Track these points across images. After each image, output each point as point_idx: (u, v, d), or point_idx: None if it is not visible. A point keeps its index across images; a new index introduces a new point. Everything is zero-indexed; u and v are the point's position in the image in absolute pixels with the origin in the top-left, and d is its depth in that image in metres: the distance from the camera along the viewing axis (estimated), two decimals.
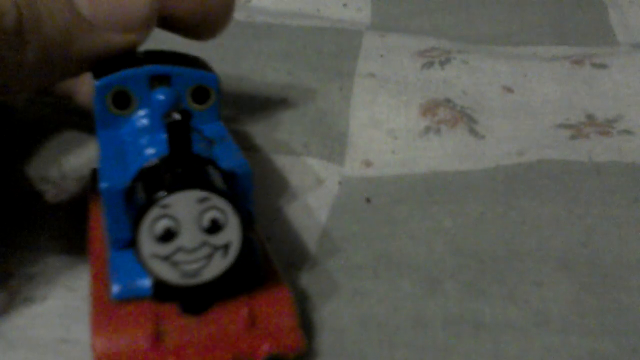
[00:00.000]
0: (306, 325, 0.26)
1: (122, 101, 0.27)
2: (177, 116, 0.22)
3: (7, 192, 0.33)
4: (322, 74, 0.43)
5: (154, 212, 0.22)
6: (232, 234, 0.23)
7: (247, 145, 0.37)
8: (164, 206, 0.22)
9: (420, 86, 0.41)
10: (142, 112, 0.27)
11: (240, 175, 0.25)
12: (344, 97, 0.41)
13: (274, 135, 0.38)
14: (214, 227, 0.23)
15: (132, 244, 0.23)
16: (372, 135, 0.38)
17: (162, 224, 0.22)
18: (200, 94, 0.28)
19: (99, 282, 0.25)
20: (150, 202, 0.22)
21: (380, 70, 0.43)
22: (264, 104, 0.40)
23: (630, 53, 0.45)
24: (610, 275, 0.28)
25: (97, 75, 0.27)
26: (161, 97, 0.25)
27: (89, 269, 0.26)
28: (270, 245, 0.28)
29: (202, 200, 0.22)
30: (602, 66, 0.43)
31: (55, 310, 0.27)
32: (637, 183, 0.33)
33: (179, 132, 0.23)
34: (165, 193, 0.22)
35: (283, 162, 0.36)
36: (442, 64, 0.43)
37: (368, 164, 0.36)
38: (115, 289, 0.24)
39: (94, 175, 0.31)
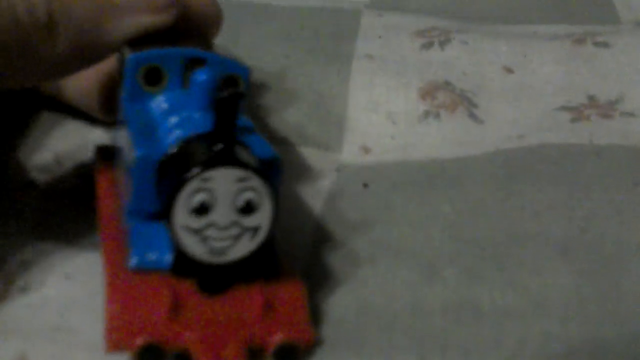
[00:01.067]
0: None
1: (154, 78, 0.27)
2: (231, 91, 0.22)
3: (2, 180, 0.32)
4: (319, 56, 0.42)
5: (194, 184, 0.22)
6: (263, 217, 0.23)
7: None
8: (205, 179, 0.22)
9: (419, 67, 0.41)
10: (171, 92, 0.27)
11: (272, 163, 0.25)
12: (342, 80, 0.40)
13: (269, 120, 0.37)
14: (248, 208, 0.23)
15: (162, 214, 0.23)
16: (371, 119, 0.38)
17: (199, 197, 0.22)
18: (230, 85, 0.27)
19: (114, 254, 0.25)
20: (192, 174, 0.22)
21: (378, 52, 0.42)
22: (260, 88, 0.40)
23: (633, 31, 0.44)
24: (610, 261, 0.28)
25: (133, 48, 0.27)
26: (203, 76, 0.25)
27: (101, 244, 0.26)
28: None
29: (242, 179, 0.23)
30: (605, 45, 0.42)
31: (51, 299, 0.27)
32: (639, 167, 0.33)
33: (229, 109, 0.23)
34: (208, 167, 0.22)
35: (279, 148, 0.35)
36: (441, 44, 0.43)
37: (366, 150, 0.36)
38: (133, 259, 0.24)
39: (101, 151, 0.31)
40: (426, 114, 0.38)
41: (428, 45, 0.43)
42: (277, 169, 0.25)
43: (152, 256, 0.24)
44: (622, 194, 0.31)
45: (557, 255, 0.28)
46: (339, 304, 0.26)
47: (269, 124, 0.37)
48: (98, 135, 0.35)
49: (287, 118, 0.38)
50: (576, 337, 0.25)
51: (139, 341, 0.23)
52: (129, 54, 0.27)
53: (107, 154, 0.31)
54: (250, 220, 0.23)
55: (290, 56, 0.43)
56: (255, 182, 0.23)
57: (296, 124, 0.37)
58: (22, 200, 0.31)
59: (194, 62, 0.27)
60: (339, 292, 0.27)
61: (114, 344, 0.23)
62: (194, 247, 0.23)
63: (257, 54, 0.43)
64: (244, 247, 0.24)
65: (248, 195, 0.23)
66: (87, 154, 0.33)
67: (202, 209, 0.23)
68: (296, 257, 0.29)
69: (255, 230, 0.23)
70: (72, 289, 0.27)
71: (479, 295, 0.27)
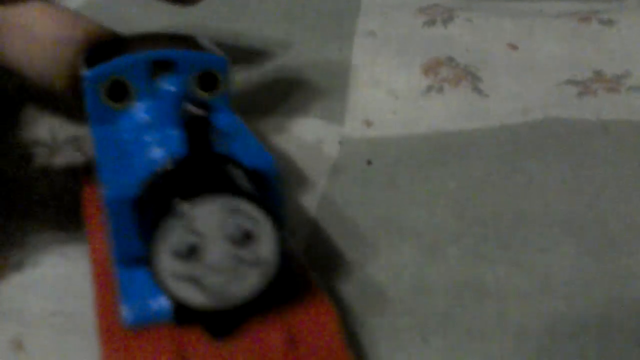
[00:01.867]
0: None
1: (119, 93, 0.24)
2: (196, 110, 0.19)
3: None
4: (321, 34, 0.42)
5: (173, 223, 0.19)
6: (266, 246, 0.20)
7: (243, 107, 0.36)
8: (185, 217, 0.19)
9: (422, 45, 0.40)
10: (142, 105, 0.24)
11: (266, 174, 0.21)
12: (344, 57, 0.40)
13: (272, 97, 0.37)
14: (245, 239, 0.19)
15: (145, 261, 0.19)
16: (373, 95, 0.37)
17: (184, 238, 0.19)
18: (208, 81, 0.24)
19: (107, 306, 0.22)
20: (168, 212, 0.19)
21: (381, 29, 0.42)
22: (262, 66, 0.39)
23: (638, 8, 0.44)
24: (617, 239, 0.27)
25: (88, 64, 0.24)
26: (169, 87, 0.22)
27: (93, 289, 0.23)
28: None
29: (230, 207, 0.19)
30: (609, 22, 0.42)
31: (47, 279, 0.26)
32: None
33: (199, 129, 0.19)
34: (186, 201, 0.19)
35: (281, 123, 0.35)
36: (444, 22, 0.42)
37: (369, 123, 0.35)
38: (127, 314, 0.20)
39: (87, 169, 0.28)
40: (429, 88, 0.37)
41: (431, 23, 0.42)
42: (272, 175, 0.21)
43: (148, 307, 0.20)
44: (630, 171, 0.31)
45: (562, 233, 0.28)
46: (341, 283, 0.26)
47: (271, 100, 0.37)
48: None
49: (289, 94, 0.37)
50: (582, 316, 0.24)
51: None
52: (85, 72, 0.23)
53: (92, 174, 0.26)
54: (250, 252, 0.20)
55: (292, 33, 0.42)
56: (248, 207, 0.19)
57: (298, 99, 0.37)
58: (17, 177, 0.31)
59: (162, 66, 0.24)
60: (340, 271, 0.27)
61: None
62: (189, 296, 0.20)
63: (259, 32, 0.42)
64: (251, 285, 0.20)
65: (242, 224, 0.19)
66: (81, 129, 0.33)
67: (190, 251, 0.19)
68: (297, 234, 0.28)
69: (260, 263, 0.20)
70: (68, 269, 0.27)
71: (483, 275, 0.26)
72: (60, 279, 0.26)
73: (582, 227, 0.28)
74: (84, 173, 0.29)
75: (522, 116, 0.35)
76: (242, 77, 0.38)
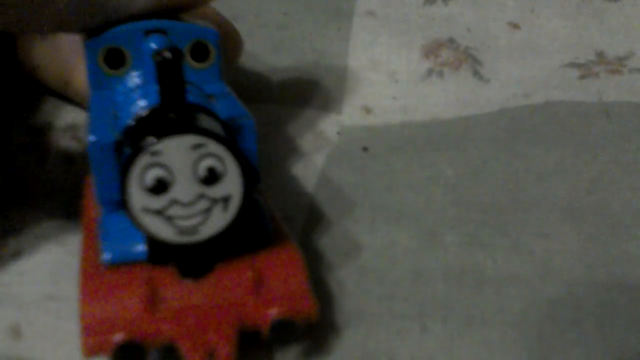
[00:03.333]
0: None
1: (116, 60, 0.25)
2: (167, 54, 0.20)
3: None
4: (319, 14, 0.41)
5: (144, 159, 0.20)
6: (232, 185, 0.21)
7: (238, 92, 0.35)
8: (154, 153, 0.20)
9: (422, 25, 0.40)
10: (137, 72, 0.25)
11: (241, 126, 0.23)
12: (343, 38, 0.39)
13: (268, 80, 0.37)
14: (212, 177, 0.21)
15: (121, 199, 0.21)
16: (372, 79, 0.37)
17: (153, 173, 0.20)
18: (200, 52, 0.25)
19: (90, 247, 0.23)
20: (138, 149, 0.20)
21: (380, 9, 0.41)
22: (258, 47, 0.39)
23: None
24: (618, 224, 0.27)
25: (89, 35, 0.25)
26: (154, 45, 0.23)
27: (82, 235, 0.25)
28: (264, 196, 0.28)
29: (197, 146, 0.20)
30: None
31: (43, 266, 0.26)
32: None
33: (171, 73, 0.21)
34: (155, 139, 0.20)
35: (277, 109, 0.35)
36: (445, 0, 0.42)
37: (368, 110, 0.35)
38: (106, 254, 0.22)
39: (84, 157, 0.28)
40: (429, 72, 0.37)
41: (431, 1, 0.42)
42: (248, 128, 0.23)
43: (125, 247, 0.22)
44: (632, 155, 0.30)
45: (563, 218, 0.27)
46: (338, 271, 0.26)
47: (267, 84, 0.36)
48: None
49: (286, 77, 0.37)
50: (583, 303, 0.24)
51: (116, 340, 0.21)
52: (84, 40, 0.25)
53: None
54: (217, 190, 0.21)
55: (288, 13, 0.42)
56: (214, 146, 0.21)
57: (295, 84, 0.36)
58: (14, 164, 0.31)
59: (156, 34, 0.25)
60: (338, 258, 0.26)
61: (90, 348, 0.21)
62: (160, 230, 0.21)
63: (255, 11, 0.42)
64: (218, 221, 0.21)
65: (208, 162, 0.21)
66: (79, 116, 0.33)
67: (160, 187, 0.21)
68: (294, 221, 0.28)
69: (225, 200, 0.21)
70: (65, 256, 0.26)
71: (482, 261, 0.26)
72: (57, 265, 0.26)
73: (582, 212, 0.28)
74: (82, 162, 0.29)
75: (523, 99, 0.35)
76: (238, 60, 0.38)
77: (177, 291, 0.22)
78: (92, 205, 0.25)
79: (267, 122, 0.34)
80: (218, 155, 0.21)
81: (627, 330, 0.23)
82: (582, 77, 0.36)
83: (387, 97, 0.36)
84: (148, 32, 0.24)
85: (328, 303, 0.25)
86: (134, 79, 0.25)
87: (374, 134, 0.33)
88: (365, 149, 0.32)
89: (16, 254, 0.27)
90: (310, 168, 0.31)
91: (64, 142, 0.32)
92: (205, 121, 0.21)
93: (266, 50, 0.38)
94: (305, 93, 0.36)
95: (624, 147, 0.31)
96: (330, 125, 0.34)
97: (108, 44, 0.24)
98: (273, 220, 0.24)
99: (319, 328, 0.24)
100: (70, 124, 0.33)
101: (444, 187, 0.29)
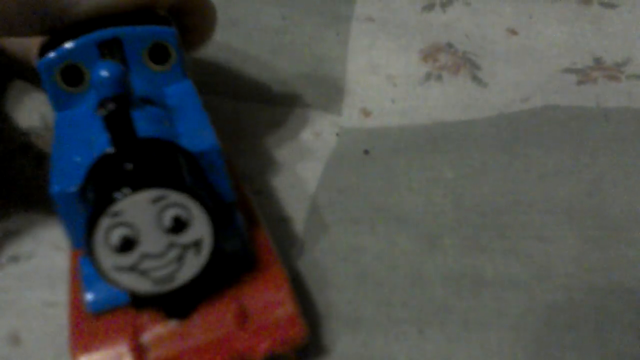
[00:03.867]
0: (299, 285, 0.25)
1: (74, 77, 0.24)
2: (111, 106, 0.20)
3: None
4: (318, 18, 0.41)
5: (105, 222, 0.20)
6: (201, 229, 0.20)
7: (238, 94, 0.35)
8: (115, 214, 0.20)
9: (420, 30, 0.40)
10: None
11: (207, 152, 0.22)
12: (341, 43, 0.39)
13: (267, 83, 0.36)
14: (178, 226, 0.20)
15: (90, 260, 0.20)
16: (371, 82, 0.37)
17: (118, 233, 0.20)
18: (159, 53, 0.25)
19: (77, 290, 0.23)
20: (98, 212, 0.19)
21: (379, 14, 0.41)
22: (257, 51, 0.39)
23: None
24: (617, 228, 0.27)
25: (41, 54, 0.24)
26: (104, 73, 0.21)
27: (69, 276, 0.24)
28: (263, 200, 0.27)
29: (158, 199, 0.20)
30: (611, 5, 0.41)
31: (41, 270, 0.26)
32: None
33: (118, 123, 0.20)
34: (114, 199, 0.19)
35: (277, 111, 0.35)
36: (443, 6, 0.42)
37: (367, 113, 0.35)
38: (89, 301, 0.22)
39: None
40: (428, 76, 0.37)
41: (429, 8, 0.42)
42: (213, 154, 0.22)
43: (108, 293, 0.22)
44: (630, 158, 0.30)
45: (562, 221, 0.27)
46: (336, 274, 0.26)
47: (267, 86, 0.36)
48: None
49: (286, 80, 0.37)
50: (581, 307, 0.24)
51: None
52: (37, 61, 0.24)
53: None
54: (186, 237, 0.20)
55: (287, 17, 0.42)
56: (175, 196, 0.20)
57: (294, 86, 0.36)
58: (11, 167, 0.30)
59: (110, 45, 0.24)
60: (337, 261, 0.26)
61: None
62: (135, 284, 0.21)
63: (254, 16, 0.42)
64: (192, 266, 0.21)
65: (172, 212, 0.20)
66: None
67: (126, 245, 0.20)
68: (294, 223, 0.28)
69: (197, 244, 0.21)
70: (61, 260, 0.26)
71: (481, 265, 0.26)
72: (55, 269, 0.26)
73: (581, 215, 0.28)
74: None
75: (522, 104, 0.35)
76: (235, 65, 0.38)
77: (164, 336, 0.22)
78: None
79: (266, 124, 0.34)
80: (181, 204, 0.20)
81: (625, 335, 0.23)
82: (580, 82, 0.36)
83: (386, 100, 0.36)
84: (101, 45, 0.24)
85: (327, 308, 0.25)
86: (90, 104, 0.24)
87: (374, 136, 0.33)
88: (366, 152, 0.32)
89: (14, 258, 0.27)
90: (310, 170, 0.31)
91: None
92: (163, 165, 0.21)
93: (265, 54, 0.38)
94: (305, 95, 0.36)
95: (624, 150, 0.31)
96: (329, 126, 0.34)
97: (63, 62, 0.24)
98: (257, 234, 0.24)
99: (317, 332, 0.24)
100: None
101: (443, 190, 0.29)
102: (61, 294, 0.25)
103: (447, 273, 0.26)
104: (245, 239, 0.23)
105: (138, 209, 0.20)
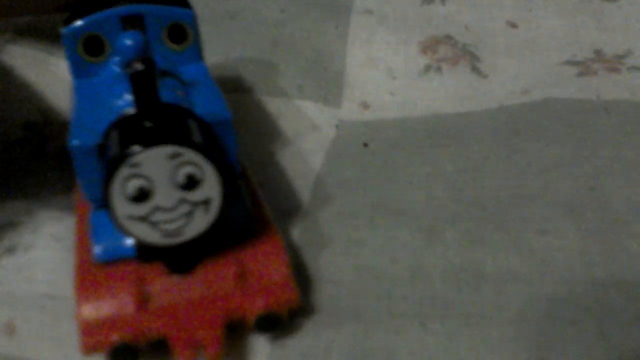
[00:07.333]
0: (300, 278, 0.25)
1: (96, 47, 0.25)
2: (139, 66, 0.21)
3: None
4: (317, 11, 0.41)
5: (123, 172, 0.21)
6: (211, 188, 0.22)
7: (238, 87, 0.35)
8: (134, 165, 0.21)
9: (420, 23, 0.40)
10: (117, 58, 0.26)
11: (219, 122, 0.23)
12: (341, 36, 0.39)
13: (266, 76, 0.36)
14: (191, 183, 0.22)
15: (106, 208, 0.21)
16: (370, 75, 0.37)
17: (134, 184, 0.21)
18: (178, 33, 0.26)
19: (83, 244, 0.24)
20: (118, 162, 0.21)
21: (378, 7, 0.41)
22: (256, 44, 0.39)
23: None
24: (618, 221, 0.27)
25: (66, 22, 0.25)
26: (128, 41, 0.23)
27: (75, 232, 0.25)
28: (263, 192, 0.27)
29: (174, 155, 0.21)
30: None
31: (39, 262, 0.26)
32: None
33: (144, 84, 0.21)
34: (133, 151, 0.21)
35: (277, 104, 0.35)
36: None
37: (366, 106, 0.35)
38: (97, 251, 0.23)
39: None
40: (427, 68, 0.37)
41: (429, 0, 0.42)
42: (225, 123, 0.23)
43: (115, 245, 0.23)
44: (631, 151, 0.30)
45: (563, 215, 0.27)
46: (336, 268, 0.26)
47: (266, 79, 0.36)
48: None
49: (285, 72, 0.37)
50: (583, 301, 0.24)
51: (113, 339, 0.22)
52: (62, 29, 0.25)
53: None
54: (197, 195, 0.22)
55: (286, 10, 0.41)
56: (190, 154, 0.21)
57: (294, 78, 0.36)
58: (9, 160, 0.30)
59: (132, 20, 0.25)
60: (335, 254, 0.26)
61: (89, 347, 0.22)
62: (146, 234, 0.22)
63: (253, 9, 0.42)
64: (200, 223, 0.22)
65: (187, 169, 0.21)
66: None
67: (141, 196, 0.21)
68: (293, 215, 0.28)
69: (206, 203, 0.22)
70: (60, 252, 0.26)
71: (481, 258, 0.26)
72: (53, 261, 0.26)
73: (582, 208, 0.28)
74: None
75: (522, 97, 0.35)
76: (236, 56, 0.38)
77: (166, 287, 0.23)
78: (84, 201, 0.25)
79: (265, 116, 0.34)
80: (196, 163, 0.21)
81: (626, 328, 0.23)
82: (580, 74, 0.36)
83: (385, 93, 0.36)
84: (124, 19, 0.25)
85: (327, 301, 0.24)
86: (115, 66, 0.26)
87: (373, 129, 0.33)
88: (365, 145, 0.32)
89: (11, 249, 0.27)
90: (309, 163, 0.31)
91: (60, 137, 0.32)
92: (181, 126, 0.22)
93: (264, 47, 0.38)
94: (304, 88, 0.36)
95: (624, 143, 0.31)
96: (328, 119, 0.34)
97: (86, 32, 0.25)
98: (258, 205, 0.25)
99: (318, 326, 0.24)
100: (66, 120, 0.33)
101: (443, 183, 0.29)
102: (59, 287, 0.25)
103: (448, 267, 0.25)
104: (248, 207, 0.24)
105: (155, 163, 0.21)
